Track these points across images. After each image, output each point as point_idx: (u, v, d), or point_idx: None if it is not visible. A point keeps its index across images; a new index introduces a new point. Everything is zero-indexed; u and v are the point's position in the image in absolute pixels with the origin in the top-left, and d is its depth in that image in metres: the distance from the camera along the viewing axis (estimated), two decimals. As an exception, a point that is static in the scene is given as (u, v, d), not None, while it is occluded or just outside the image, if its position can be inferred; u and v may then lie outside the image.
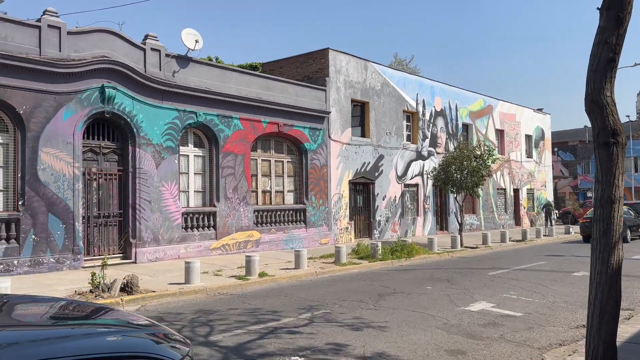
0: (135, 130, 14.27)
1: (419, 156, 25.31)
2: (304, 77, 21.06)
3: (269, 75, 18.79)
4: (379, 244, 15.70)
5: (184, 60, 15.58)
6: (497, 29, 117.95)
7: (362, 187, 22.22)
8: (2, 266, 11.58)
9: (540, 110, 37.64)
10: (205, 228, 16.07)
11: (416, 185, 25.15)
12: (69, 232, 12.81)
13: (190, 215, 15.70)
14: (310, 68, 21.13)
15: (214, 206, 16.29)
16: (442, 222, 27.02)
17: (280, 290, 10.65)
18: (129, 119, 14.15)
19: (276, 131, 18.29)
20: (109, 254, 13.92)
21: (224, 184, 16.48)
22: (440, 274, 12.90)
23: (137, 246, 14.18)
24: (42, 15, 12.62)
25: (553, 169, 40.65)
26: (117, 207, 14.22)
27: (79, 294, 9.23)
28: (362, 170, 21.87)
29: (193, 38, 15.48)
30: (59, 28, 12.78)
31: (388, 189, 23.24)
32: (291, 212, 18.87)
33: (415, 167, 25.07)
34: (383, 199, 22.92)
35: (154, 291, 9.86)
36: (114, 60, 13.72)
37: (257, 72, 18.08)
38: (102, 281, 9.52)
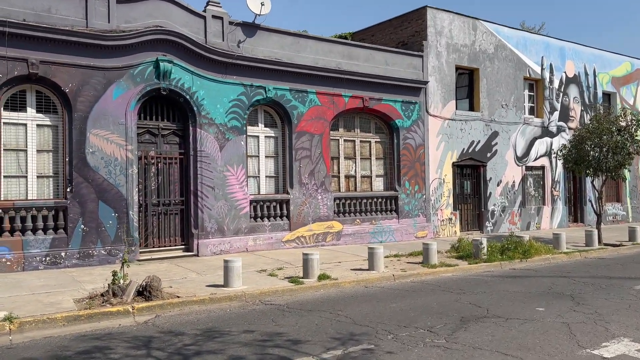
0: (195, 108, 12.78)
1: (546, 132, 20.97)
2: (399, 44, 18.18)
3: (351, 42, 16.29)
4: (484, 241, 12.50)
5: (250, 28, 13.73)
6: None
7: (470, 171, 18.78)
8: (49, 258, 10.77)
9: None
10: (277, 218, 14.19)
11: (541, 167, 20.91)
12: (122, 221, 11.71)
13: (260, 203, 13.92)
14: (405, 32, 18.17)
15: (287, 193, 14.33)
16: (575, 212, 22.34)
17: (331, 301, 8.28)
18: (188, 96, 12.69)
19: (360, 106, 15.75)
20: (169, 246, 12.70)
21: (298, 168, 14.44)
22: (563, 285, 9.50)
23: (199, 237, 12.76)
24: (89, -15, 11.54)
25: None
26: (179, 194, 12.91)
27: (90, 298, 7.78)
28: (469, 151, 18.44)
29: (259, 1, 13.53)
30: (107, -3, 11.61)
31: (504, 173, 19.46)
32: (380, 200, 16.27)
33: (541, 145, 20.81)
34: (498, 185, 19.24)
35: (179, 297, 8.11)
36: (170, 30, 12.29)
37: (336, 39, 15.68)
38: (119, 282, 7.99)
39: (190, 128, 12.86)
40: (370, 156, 16.43)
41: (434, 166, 17.47)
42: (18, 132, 10.93)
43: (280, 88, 14.15)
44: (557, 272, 11.04)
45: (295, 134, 14.43)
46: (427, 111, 17.28)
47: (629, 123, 15.61)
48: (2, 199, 10.56)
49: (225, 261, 8.87)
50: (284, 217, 14.27)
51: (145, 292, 7.83)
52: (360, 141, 16.27)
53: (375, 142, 16.57)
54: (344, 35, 20.77)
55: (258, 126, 14.28)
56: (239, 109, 13.49)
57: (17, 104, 10.92)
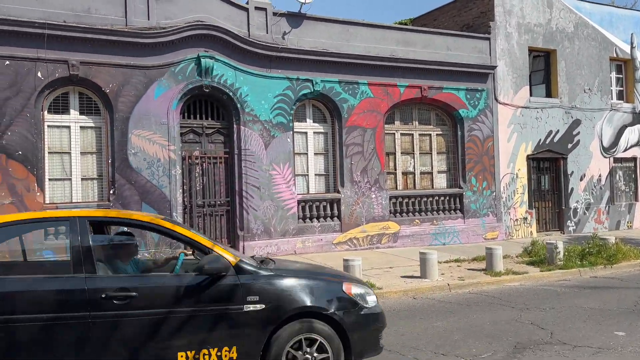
0: (239, 105, 12.26)
1: (638, 119, 18.43)
2: (463, 27, 16.65)
3: (407, 27, 15.07)
4: (560, 244, 10.87)
5: (295, 18, 12.99)
6: None
7: (548, 164, 16.83)
8: (92, 260, 10.68)
9: None
10: (328, 218, 13.36)
11: (633, 159, 18.40)
12: (166, 223, 11.41)
13: (309, 203, 13.15)
14: (470, 14, 16.59)
15: (338, 192, 13.45)
16: (676, 209, 19.45)
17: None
18: (231, 93, 12.19)
19: (418, 97, 14.49)
20: (215, 248, 12.27)
21: (349, 165, 13.50)
22: (659, 300, 7.84)
23: (245, 239, 12.24)
24: (128, -17, 11.35)
25: None
26: (224, 195, 12.46)
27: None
28: (546, 142, 16.51)
29: (303, -12, 12.75)
30: (146, -6, 11.36)
31: (588, 166, 17.29)
32: (442, 198, 14.92)
33: (631, 134, 18.31)
34: (581, 179, 17.12)
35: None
36: (211, 24, 11.84)
37: (389, 25, 14.52)
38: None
39: (234, 126, 12.36)
40: (431, 150, 15.12)
41: (505, 160, 15.78)
42: (62, 135, 10.96)
43: (329, 80, 13.28)
44: (650, 283, 9.27)
45: (346, 129, 13.51)
46: (495, 99, 15.64)
47: None
48: (47, 202, 10.61)
49: (345, 260, 8.18)
50: (335, 218, 13.40)
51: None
52: (419, 134, 15.00)
53: (437, 134, 15.23)
54: (403, 22, 19.50)
55: (306, 122, 13.51)
56: (284, 105, 12.80)
57: (59, 106, 10.95)
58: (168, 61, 11.54)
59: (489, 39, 15.54)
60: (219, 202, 12.39)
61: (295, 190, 12.92)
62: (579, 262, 10.55)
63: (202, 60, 11.78)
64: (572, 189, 16.94)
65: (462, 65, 14.90)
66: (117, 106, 11.05)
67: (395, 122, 14.68)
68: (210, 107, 12.43)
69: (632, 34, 18.50)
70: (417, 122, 14.98)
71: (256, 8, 12.56)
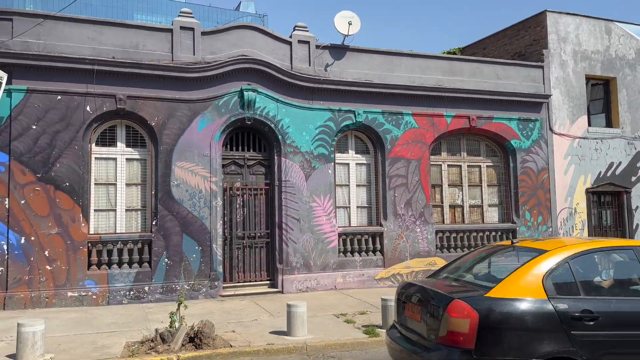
0: (280, 137, 12.23)
1: None
2: (514, 55, 16.07)
3: (452, 56, 14.66)
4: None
5: (338, 50, 12.95)
6: None
7: (610, 199, 15.68)
8: (132, 292, 10.76)
9: None
10: (370, 253, 12.91)
11: None
12: (206, 255, 11.40)
13: (350, 236, 12.78)
14: (521, 42, 16.01)
15: (380, 225, 13.01)
16: None
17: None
18: (272, 125, 12.19)
19: (466, 127, 13.96)
20: (255, 281, 12.12)
21: (392, 197, 13.07)
22: None
23: (284, 273, 11.99)
24: (176, 18, 11.72)
25: None
26: (265, 227, 12.33)
27: (141, 342, 7.27)
28: (607, 174, 15.42)
29: (346, 21, 12.72)
30: (192, 29, 11.67)
31: (656, 200, 15.95)
32: (494, 233, 14.13)
33: None
34: (647, 215, 15.80)
35: (232, 345, 7.25)
36: (253, 58, 11.97)
37: (434, 54, 14.18)
38: (175, 325, 7.40)
39: (275, 157, 12.30)
40: (481, 183, 14.44)
41: (562, 193, 14.83)
42: (108, 167, 11.26)
43: (371, 111, 13.05)
44: None
45: (389, 160, 13.15)
46: (550, 129, 14.83)
47: None
48: (91, 232, 10.85)
49: (289, 305, 7.86)
50: (377, 252, 12.94)
51: (196, 338, 7.12)
52: (468, 166, 14.40)
53: (487, 166, 14.56)
54: (452, 51, 19.10)
55: (348, 153, 13.28)
56: (326, 136, 12.65)
57: (106, 139, 11.29)
58: (212, 95, 11.71)
59: (542, 67, 14.88)
60: (259, 234, 12.26)
61: (335, 223, 12.61)
62: None
63: (245, 93, 11.88)
64: (637, 225, 15.65)
65: (513, 94, 14.28)
66: (162, 139, 11.27)
67: (442, 153, 14.17)
68: (252, 138, 12.47)
69: (702, 59, 17.19)
70: (465, 153, 14.40)
71: (299, 41, 12.62)
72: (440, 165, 14.11)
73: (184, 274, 11.19)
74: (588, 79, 15.69)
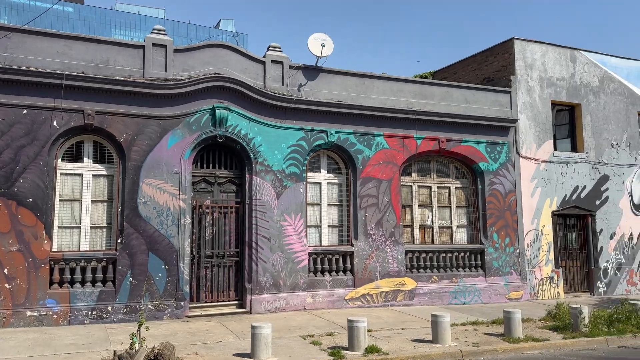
0: (252, 155, 12.21)
1: (671, 176, 17.55)
2: (483, 80, 16.50)
3: (423, 80, 14.98)
4: (585, 309, 10.08)
5: (311, 71, 13.08)
6: None
7: (575, 221, 16.07)
8: (95, 312, 10.45)
9: None
10: (340, 272, 12.89)
11: (668, 217, 17.38)
12: (172, 274, 11.19)
13: (321, 256, 12.76)
14: (490, 68, 16.47)
15: (351, 245, 13.03)
16: None
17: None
18: (244, 143, 12.17)
19: (436, 149, 14.20)
20: (223, 301, 11.93)
21: (363, 217, 13.14)
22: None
23: (252, 293, 11.85)
24: (149, 34, 11.69)
25: None
26: (234, 246, 12.21)
27: (99, 364, 7.06)
28: (573, 198, 15.83)
29: (319, 43, 12.89)
30: (165, 46, 11.65)
31: (618, 224, 16.43)
32: (462, 254, 14.29)
33: (665, 191, 17.39)
34: (611, 238, 16.24)
35: (194, 368, 7.10)
36: (226, 77, 12.00)
37: (406, 77, 14.45)
38: (135, 347, 7.21)
39: (247, 175, 12.27)
40: (450, 204, 14.64)
41: (529, 216, 15.13)
42: (74, 183, 11.02)
43: (344, 131, 13.17)
44: (689, 358, 8.39)
45: (361, 180, 13.24)
46: (517, 153, 15.20)
47: None
48: (54, 249, 10.56)
49: (253, 327, 7.76)
50: (347, 272, 12.93)
51: (156, 361, 6.95)
52: (438, 187, 14.60)
53: (456, 187, 14.80)
54: (424, 75, 19.51)
55: (320, 172, 13.33)
56: (298, 155, 12.69)
57: (73, 155, 11.08)
58: (183, 112, 11.66)
59: (509, 92, 15.30)
60: (228, 253, 12.12)
61: (306, 242, 12.57)
62: (605, 330, 9.73)
63: (217, 111, 11.86)
64: (602, 247, 16.04)
65: (482, 118, 14.63)
66: (130, 155, 11.12)
67: (413, 174, 14.36)
68: (223, 156, 12.42)
69: (661, 88, 17.95)
70: (435, 175, 14.62)
71: (273, 61, 12.72)
72: (411, 186, 14.27)
73: (149, 294, 10.95)
74: (554, 104, 16.19)
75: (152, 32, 11.75)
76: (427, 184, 14.47)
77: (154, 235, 11.13)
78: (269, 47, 12.93)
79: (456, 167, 14.89)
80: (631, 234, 16.58)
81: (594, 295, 15.65)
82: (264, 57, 12.71)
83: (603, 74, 16.97)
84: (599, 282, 15.85)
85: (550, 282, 15.16)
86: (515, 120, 15.13)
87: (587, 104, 16.53)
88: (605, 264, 16.00)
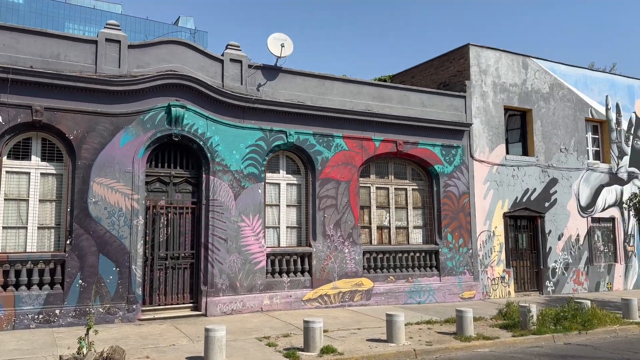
0: (209, 155, 12.02)
1: (615, 179, 18.50)
2: (440, 85, 16.87)
3: (382, 83, 15.18)
4: (533, 307, 10.47)
5: (270, 70, 13.02)
6: None
7: (526, 223, 16.65)
8: (42, 316, 10.02)
9: None
10: (298, 273, 12.88)
11: (611, 219, 18.31)
12: (124, 276, 10.87)
13: (279, 257, 12.71)
14: (446, 72, 16.87)
15: (309, 246, 13.04)
16: (657, 270, 19.24)
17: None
18: (201, 142, 11.98)
19: (394, 151, 14.41)
20: (177, 304, 11.69)
21: (322, 218, 13.18)
22: (634, 373, 7.40)
23: (208, 295, 11.66)
24: (101, 29, 11.33)
25: None
26: (190, 247, 11.99)
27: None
28: (523, 200, 16.40)
29: (279, 43, 12.85)
30: (119, 42, 11.33)
31: (566, 225, 17.14)
32: (418, 254, 14.56)
33: (609, 194, 18.31)
34: (559, 239, 16.92)
35: (144, 372, 6.93)
36: (183, 74, 11.78)
37: (365, 80, 14.62)
38: (83, 352, 6.96)
39: (203, 175, 12.07)
40: (407, 205, 14.89)
41: (482, 217, 15.58)
42: (20, 181, 10.55)
43: (303, 132, 13.17)
44: (623, 352, 8.84)
45: (320, 181, 13.28)
46: (471, 156, 15.62)
47: None
48: (-3, 251, 10.07)
49: (207, 330, 7.64)
50: (305, 273, 12.93)
51: (105, 365, 6.73)
52: (395, 188, 14.82)
53: (412, 189, 15.06)
54: (383, 78, 19.78)
55: (279, 173, 13.28)
56: (257, 155, 12.59)
57: (19, 152, 10.60)
58: (137, 109, 11.36)
59: (464, 97, 15.71)
60: (183, 255, 11.89)
61: (264, 243, 12.49)
62: (552, 327, 10.12)
63: (173, 109, 11.62)
64: (550, 248, 16.70)
65: (438, 121, 14.95)
66: (81, 153, 10.74)
67: (371, 175, 14.51)
68: (179, 156, 12.18)
69: (606, 96, 18.89)
70: (392, 176, 14.83)
71: (231, 60, 12.58)
72: (369, 187, 14.42)
73: (100, 297, 10.61)
74: (506, 109, 16.74)
75: (105, 27, 11.40)
76: (385, 186, 14.66)
77: (105, 236, 10.79)
78: (228, 45, 12.79)
79: (413, 169, 15.16)
80: (578, 235, 17.33)
81: (542, 294, 16.26)
82: (223, 55, 12.56)
83: (553, 81, 17.68)
84: (548, 281, 16.49)
85: (501, 282, 15.65)
86: (469, 124, 15.54)
87: (538, 109, 17.18)
88: (553, 264, 16.66)
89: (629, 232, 18.51)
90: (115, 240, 10.87)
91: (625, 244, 18.36)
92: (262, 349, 8.46)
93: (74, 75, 10.66)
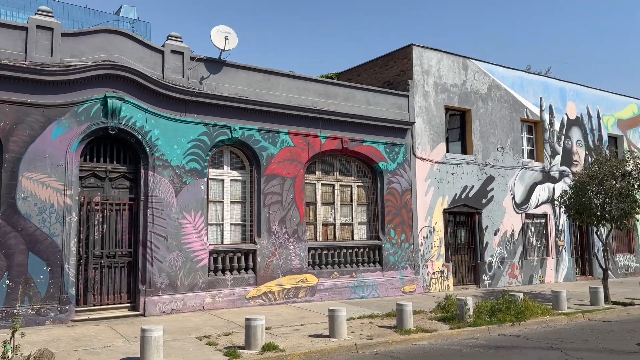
0: (148, 149, 11.62)
1: (547, 177, 19.50)
2: (384, 84, 17.13)
3: (328, 80, 15.24)
4: (469, 300, 10.85)
5: (214, 64, 12.74)
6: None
7: (464, 218, 17.24)
8: (-38, 318, 9.35)
9: None
10: (242, 271, 12.71)
11: (544, 215, 19.29)
12: (56, 276, 10.32)
13: (222, 254, 12.48)
14: (390, 72, 17.15)
15: (254, 243, 12.90)
16: (584, 264, 20.51)
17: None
18: (140, 136, 11.55)
19: (339, 148, 14.51)
20: (114, 304, 11.23)
21: (267, 214, 13.06)
22: (560, 360, 7.82)
23: (146, 294, 11.28)
24: (32, 15, 10.68)
25: None
26: (127, 245, 11.55)
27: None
28: (462, 197, 16.97)
29: (223, 36, 12.60)
30: (51, 29, 10.71)
31: (502, 221, 17.89)
32: (362, 250, 14.74)
33: (542, 191, 19.28)
34: (495, 234, 17.63)
35: (75, 376, 6.59)
36: (120, 65, 11.30)
37: (311, 77, 14.62)
38: (8, 355, 6.53)
39: (142, 170, 11.65)
40: (352, 202, 15.04)
41: (423, 213, 15.98)
42: (-63, 175, 9.77)
43: (248, 128, 12.99)
44: (552, 341, 9.32)
45: (265, 177, 13.15)
46: (414, 154, 15.98)
47: (635, 168, 14.11)
48: None
49: (143, 330, 7.38)
50: (250, 270, 12.78)
51: (31, 370, 6.35)
52: (340, 185, 14.92)
53: (357, 186, 15.22)
54: (329, 75, 19.85)
55: (223, 169, 13.04)
56: (199, 150, 12.30)
57: (-62, 144, 9.82)
58: (70, 100, 10.79)
59: (407, 96, 16.03)
60: (120, 253, 11.43)
61: (207, 240, 12.22)
62: (488, 319, 10.53)
63: (109, 101, 11.13)
64: (487, 243, 17.38)
65: (382, 120, 15.18)
66: (8, 146, 10.08)
67: (317, 172, 14.54)
68: (116, 150, 11.69)
69: (541, 98, 19.85)
70: (338, 173, 14.93)
71: (172, 51, 12.21)
72: (315, 184, 14.45)
73: (29, 297, 10.02)
74: (447, 109, 17.24)
75: (37, 14, 10.76)
76: (330, 182, 14.73)
77: (35, 234, 10.19)
78: (169, 36, 12.40)
79: (358, 166, 15.32)
80: (513, 231, 18.14)
81: (480, 287, 16.90)
82: (163, 46, 12.16)
83: (491, 82, 18.38)
84: (485, 275, 17.15)
85: (441, 276, 16.13)
86: (412, 123, 15.88)
87: (477, 109, 17.81)
88: (490, 258, 17.35)
89: (560, 228, 19.57)
90: (47, 238, 10.29)
91: (557, 239, 19.40)
92: (201, 348, 8.27)
93: (2, 64, 9.98)
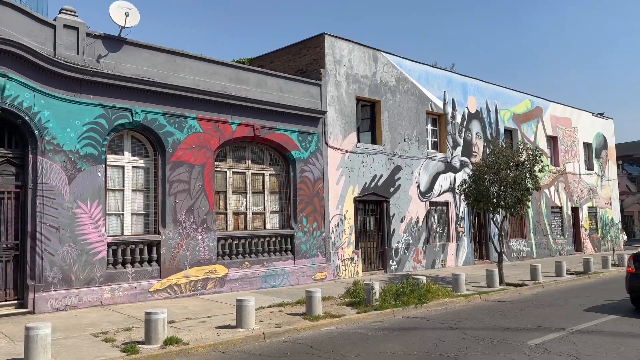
0: (37, 132, 10.56)
1: (449, 167, 20.55)
2: (297, 71, 17.01)
3: (239, 65, 14.83)
4: (376, 285, 11.13)
5: (113, 41, 11.85)
6: (552, 35, 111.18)
7: (373, 206, 17.69)
8: None
9: (601, 114, 31.88)
10: (145, 263, 12.03)
11: (446, 203, 20.33)
12: None
13: (122, 246, 11.72)
14: (303, 60, 17.07)
15: (158, 233, 12.26)
16: (481, 248, 21.93)
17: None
18: (27, 117, 10.46)
19: (251, 135, 14.19)
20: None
21: (172, 204, 12.46)
22: (451, 341, 8.20)
23: (36, 290, 10.30)
24: None
25: (619, 184, 34.31)
26: (13, 237, 10.45)
27: None
28: (372, 185, 17.38)
29: (123, 12, 11.75)
30: None
31: (408, 209, 18.59)
32: (274, 239, 14.59)
33: (444, 180, 20.30)
34: (401, 221, 18.28)
35: (-60, 385, 5.81)
36: (5, 39, 10.12)
37: (220, 60, 14.13)
38: None
39: (30, 155, 10.59)
40: (264, 190, 14.81)
41: (334, 201, 16.16)
42: None
43: (152, 111, 12.27)
44: (451, 322, 9.82)
45: (171, 164, 12.52)
46: (326, 143, 16.06)
47: (528, 158, 15.26)
48: None
49: (27, 328, 6.68)
50: (153, 262, 12.13)
51: None
52: (252, 173, 14.63)
53: (270, 174, 15.01)
54: (242, 60, 19.36)
55: (123, 154, 12.21)
56: (96, 134, 11.41)
57: None
58: (-59, 74, 9.50)
59: (319, 85, 16.05)
60: (5, 246, 10.34)
61: (105, 232, 11.41)
62: (393, 303, 10.86)
63: (-10, 77, 9.95)
64: (394, 230, 17.99)
65: (295, 108, 15.07)
66: None
67: (227, 159, 14.12)
68: (0, 133, 10.52)
69: (444, 92, 20.82)
70: (250, 161, 14.61)
71: (65, 26, 11.17)
72: (225, 172, 14.02)
73: None
74: (358, 100, 17.52)
75: None
76: (242, 171, 14.39)
77: None
78: (62, 9, 11.33)
79: (270, 154, 15.10)
80: (418, 218, 18.93)
81: (387, 272, 17.47)
82: (55, 20, 11.09)
83: (399, 75, 18.95)
84: (391, 260, 17.75)
85: (351, 262, 16.45)
86: (324, 112, 15.94)
87: (386, 101, 18.28)
88: (396, 245, 17.98)
89: (460, 215, 20.76)
90: None
91: (457, 225, 20.56)
92: (97, 345, 7.68)
93: None
